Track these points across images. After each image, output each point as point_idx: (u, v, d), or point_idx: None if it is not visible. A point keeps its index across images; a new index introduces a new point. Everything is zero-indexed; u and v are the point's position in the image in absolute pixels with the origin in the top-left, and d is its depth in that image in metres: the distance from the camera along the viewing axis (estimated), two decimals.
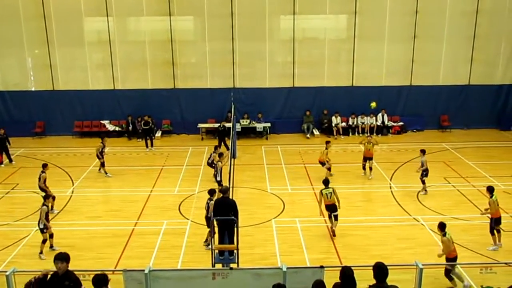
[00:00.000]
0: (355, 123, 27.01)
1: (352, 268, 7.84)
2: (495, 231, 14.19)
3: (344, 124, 26.93)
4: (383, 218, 16.36)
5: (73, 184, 19.86)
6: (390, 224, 15.88)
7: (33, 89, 27.17)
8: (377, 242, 14.75)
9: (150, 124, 24.94)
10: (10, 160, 22.55)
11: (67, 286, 8.27)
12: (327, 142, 20.30)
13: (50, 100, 26.86)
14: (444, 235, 12.18)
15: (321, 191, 15.09)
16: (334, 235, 14.98)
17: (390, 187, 19.12)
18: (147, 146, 24.62)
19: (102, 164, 20.88)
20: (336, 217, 15.01)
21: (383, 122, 27.00)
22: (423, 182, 18.17)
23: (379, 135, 26.62)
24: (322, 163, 20.00)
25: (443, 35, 26.43)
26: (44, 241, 13.96)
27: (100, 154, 20.74)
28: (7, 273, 9.04)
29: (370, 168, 19.94)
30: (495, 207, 14.10)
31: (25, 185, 19.37)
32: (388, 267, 7.53)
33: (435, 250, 13.33)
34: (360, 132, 26.86)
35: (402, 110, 27.46)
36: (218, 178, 17.94)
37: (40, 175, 17.37)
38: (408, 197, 18.11)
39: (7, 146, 22.56)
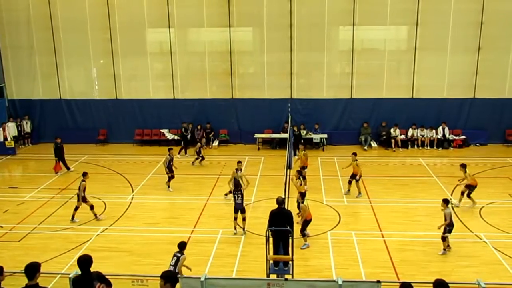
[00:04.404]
0: (414, 135, 26.40)
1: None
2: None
3: (403, 136, 26.37)
4: None
5: (133, 191, 20.41)
6: (450, 241, 15.30)
7: (97, 97, 28.27)
8: (436, 259, 14.28)
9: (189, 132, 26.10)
10: (68, 168, 22.86)
11: None
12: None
13: (112, 108, 27.91)
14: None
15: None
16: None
17: (451, 202, 18.50)
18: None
19: (171, 178, 20.16)
20: None
21: (444, 135, 26.21)
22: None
23: (440, 149, 25.95)
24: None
25: (509, 47, 25.44)
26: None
27: (169, 168, 20.15)
28: (70, 276, 9.37)
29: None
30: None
31: (88, 191, 20.04)
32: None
33: (498, 269, 12.78)
34: (419, 145, 26.23)
35: (464, 124, 26.55)
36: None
37: (80, 183, 17.16)
38: (469, 213, 17.48)
39: (63, 154, 22.73)
